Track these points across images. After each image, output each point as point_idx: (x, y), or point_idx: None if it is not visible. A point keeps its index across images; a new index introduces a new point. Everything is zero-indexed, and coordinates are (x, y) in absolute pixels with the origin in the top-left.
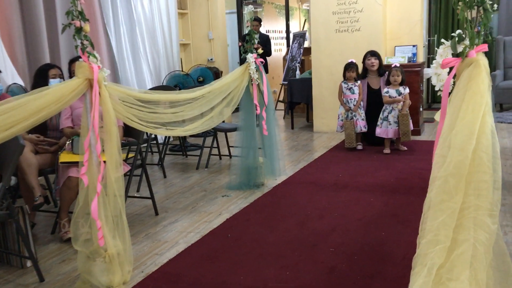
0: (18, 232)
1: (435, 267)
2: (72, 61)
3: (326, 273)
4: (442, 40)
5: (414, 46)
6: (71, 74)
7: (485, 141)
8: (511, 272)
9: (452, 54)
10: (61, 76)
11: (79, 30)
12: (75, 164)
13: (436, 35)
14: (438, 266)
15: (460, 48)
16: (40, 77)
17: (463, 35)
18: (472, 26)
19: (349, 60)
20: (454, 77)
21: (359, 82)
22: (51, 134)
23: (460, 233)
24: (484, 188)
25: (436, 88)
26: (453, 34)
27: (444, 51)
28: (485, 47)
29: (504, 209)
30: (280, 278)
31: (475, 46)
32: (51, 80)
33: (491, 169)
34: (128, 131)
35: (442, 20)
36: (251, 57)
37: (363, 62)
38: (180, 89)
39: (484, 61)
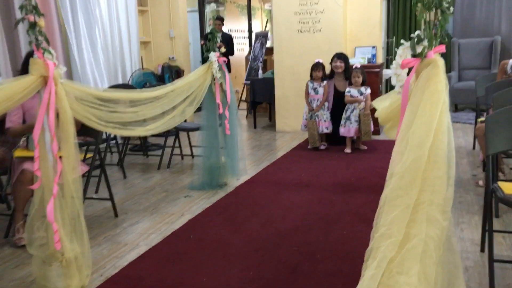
0: None
1: (386, 260)
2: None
3: (289, 272)
4: (402, 41)
5: (373, 47)
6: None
7: (442, 138)
8: (459, 270)
9: (412, 54)
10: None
11: (33, 25)
12: (30, 158)
13: (394, 37)
14: (389, 259)
15: (419, 49)
16: None
17: (422, 36)
18: (431, 27)
19: (316, 60)
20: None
21: (325, 82)
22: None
23: (413, 228)
24: (438, 184)
25: (396, 89)
26: (412, 35)
27: (403, 52)
28: (442, 48)
29: (461, 207)
30: (244, 278)
31: (433, 47)
32: None
33: (446, 166)
34: (86, 131)
35: (400, 22)
36: (213, 55)
37: (331, 63)
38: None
39: (441, 62)
